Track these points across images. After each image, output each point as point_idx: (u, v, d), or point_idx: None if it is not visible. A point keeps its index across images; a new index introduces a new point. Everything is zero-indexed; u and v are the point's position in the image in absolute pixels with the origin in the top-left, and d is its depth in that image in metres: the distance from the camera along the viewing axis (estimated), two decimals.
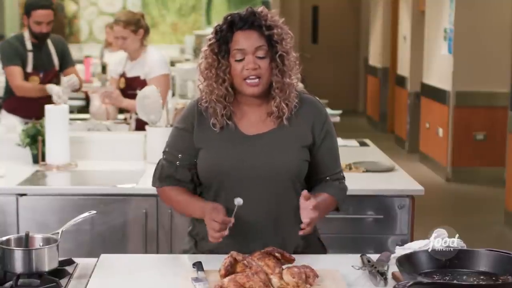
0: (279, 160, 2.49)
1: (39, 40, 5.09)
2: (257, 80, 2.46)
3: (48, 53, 5.18)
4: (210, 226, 2.40)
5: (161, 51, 5.46)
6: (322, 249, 2.69)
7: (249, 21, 2.46)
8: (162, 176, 2.61)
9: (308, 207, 2.38)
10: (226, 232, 2.38)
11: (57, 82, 5.19)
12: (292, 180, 2.51)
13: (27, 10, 5.04)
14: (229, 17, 2.48)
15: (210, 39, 2.51)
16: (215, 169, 2.50)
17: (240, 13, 2.48)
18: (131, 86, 4.97)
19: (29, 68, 5.10)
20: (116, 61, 5.24)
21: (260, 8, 2.51)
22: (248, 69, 2.44)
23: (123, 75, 5.08)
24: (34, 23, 5.02)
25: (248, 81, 2.46)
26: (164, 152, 2.62)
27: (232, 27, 2.47)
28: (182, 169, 2.56)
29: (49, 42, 5.19)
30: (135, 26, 4.93)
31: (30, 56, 5.11)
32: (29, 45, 5.11)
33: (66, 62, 5.25)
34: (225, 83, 2.48)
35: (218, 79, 2.48)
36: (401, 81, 10.21)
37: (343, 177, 2.66)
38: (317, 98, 2.64)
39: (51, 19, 5.05)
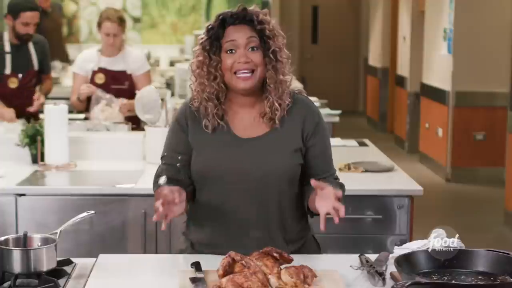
0: (272, 164, 2.47)
1: (23, 41, 5.08)
2: (249, 74, 2.44)
3: (28, 54, 5.16)
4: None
5: (161, 51, 5.53)
6: (317, 247, 2.69)
7: (241, 16, 2.45)
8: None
9: (330, 197, 2.30)
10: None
11: (36, 83, 5.20)
12: (285, 183, 2.50)
13: (14, 11, 5.03)
14: (220, 16, 2.48)
15: (201, 38, 2.50)
16: (207, 171, 2.49)
17: (232, 11, 2.48)
18: (118, 80, 5.06)
19: (8, 70, 5.09)
20: (85, 58, 5.18)
21: (251, 7, 2.50)
22: (240, 62, 2.42)
23: (100, 70, 5.08)
24: (22, 24, 5.01)
25: (239, 74, 2.43)
26: (163, 157, 2.58)
27: (223, 23, 2.46)
28: (184, 169, 2.53)
29: (29, 43, 5.16)
30: (125, 23, 5.08)
31: (8, 58, 5.09)
32: (7, 47, 5.10)
33: (45, 67, 5.25)
34: (216, 79, 2.46)
35: (210, 76, 2.46)
36: (400, 81, 10.21)
37: (338, 178, 2.64)
38: (310, 99, 2.63)
39: (37, 21, 5.09)
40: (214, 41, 2.46)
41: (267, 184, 2.48)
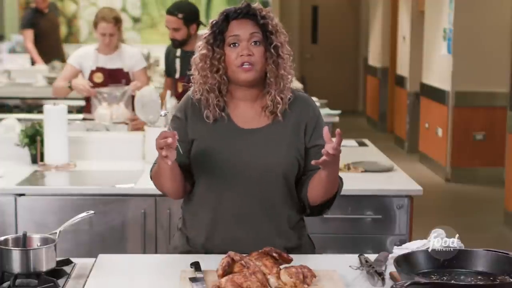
0: (272, 156, 2.50)
1: (175, 46, 5.24)
2: (250, 65, 2.46)
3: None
4: (157, 147, 2.34)
5: (161, 51, 5.56)
6: (311, 246, 2.70)
7: (244, 11, 2.50)
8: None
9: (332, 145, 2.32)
10: (169, 141, 2.30)
11: None
12: (283, 175, 2.52)
13: None
14: (224, 12, 2.53)
15: (205, 34, 2.54)
16: (207, 161, 2.50)
17: (235, 6, 2.52)
18: (115, 78, 5.08)
19: (177, 75, 5.20)
20: (82, 54, 5.16)
21: (255, 4, 2.54)
22: (243, 55, 2.46)
23: (98, 70, 5.09)
24: (168, 29, 5.21)
25: (242, 66, 2.46)
26: None
27: (227, 18, 2.51)
28: (183, 157, 2.52)
29: None
30: (120, 23, 5.11)
31: (177, 62, 5.24)
32: (178, 52, 5.28)
33: None
34: (219, 71, 2.50)
35: (213, 68, 2.49)
36: (400, 81, 10.21)
37: None
38: (310, 96, 2.65)
39: (177, 26, 5.12)
40: (218, 35, 2.49)
41: (266, 175, 2.49)
